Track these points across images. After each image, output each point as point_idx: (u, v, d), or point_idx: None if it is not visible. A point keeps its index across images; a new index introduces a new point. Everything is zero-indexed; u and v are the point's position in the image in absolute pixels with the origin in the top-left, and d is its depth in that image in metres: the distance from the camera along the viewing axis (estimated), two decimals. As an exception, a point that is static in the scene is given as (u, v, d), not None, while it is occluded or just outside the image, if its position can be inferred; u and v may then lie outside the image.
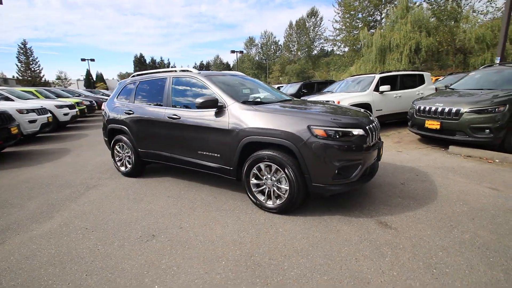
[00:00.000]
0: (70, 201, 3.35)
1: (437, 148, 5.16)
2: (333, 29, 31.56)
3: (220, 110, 3.00)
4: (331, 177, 2.47)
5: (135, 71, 62.36)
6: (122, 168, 4.25)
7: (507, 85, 5.05)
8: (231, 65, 71.45)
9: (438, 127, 4.94)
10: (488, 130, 4.40)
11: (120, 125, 4.07)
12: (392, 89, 6.96)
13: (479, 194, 3.09)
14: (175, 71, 3.76)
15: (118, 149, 4.22)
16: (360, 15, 27.84)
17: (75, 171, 4.65)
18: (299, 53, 46.03)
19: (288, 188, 2.61)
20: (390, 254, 2.07)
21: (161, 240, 2.39)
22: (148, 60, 65.96)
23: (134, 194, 3.48)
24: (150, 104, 3.76)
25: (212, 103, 2.94)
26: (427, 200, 2.99)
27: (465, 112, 4.56)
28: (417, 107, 5.42)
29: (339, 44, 31.74)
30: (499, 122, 4.30)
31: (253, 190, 2.86)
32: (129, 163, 4.14)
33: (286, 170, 2.56)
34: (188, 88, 3.47)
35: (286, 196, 2.65)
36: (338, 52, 33.21)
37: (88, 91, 19.88)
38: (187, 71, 3.63)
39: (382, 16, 26.79)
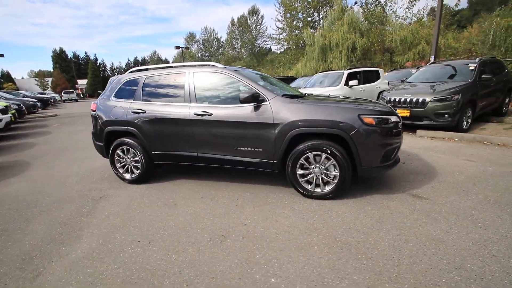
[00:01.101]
0: (86, 217, 2.90)
1: (407, 133, 6.08)
2: (276, 28, 33.01)
3: (259, 104, 3.01)
4: (379, 160, 2.79)
5: (54, 68, 53.77)
6: (127, 175, 3.82)
7: (451, 78, 6.27)
8: (171, 61, 67.86)
9: (408, 114, 5.83)
10: (447, 115, 5.42)
11: (124, 127, 3.64)
12: (357, 83, 7.82)
13: (463, 165, 3.84)
14: (194, 65, 3.56)
15: (121, 154, 3.77)
16: (300, 16, 29.72)
17: (59, 184, 3.97)
18: (242, 50, 46.58)
19: (338, 174, 2.82)
20: (441, 218, 2.48)
21: (235, 238, 2.34)
22: (70, 55, 57.57)
23: (161, 200, 3.21)
24: (166, 102, 3.47)
25: (254, 98, 2.93)
26: (432, 174, 3.59)
27: (430, 101, 5.51)
28: (388, 98, 6.26)
29: (283, 42, 33.38)
30: (455, 108, 5.34)
31: (300, 180, 2.99)
32: (137, 168, 3.75)
33: (337, 157, 2.77)
34: (215, 83, 3.35)
35: (336, 182, 2.86)
36: (281, 50, 34.91)
37: (5, 93, 16.41)
38: (210, 65, 3.47)
39: (321, 17, 29.13)
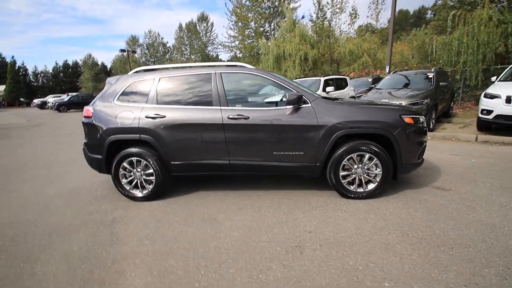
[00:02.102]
0: (111, 246, 2.38)
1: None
2: (228, 36, 33.23)
3: (300, 106, 2.93)
4: (416, 157, 2.99)
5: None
6: (137, 192, 3.28)
7: (414, 85, 7.19)
8: (108, 67, 62.00)
9: (386, 117, 6.43)
10: (420, 117, 6.17)
11: (135, 135, 3.13)
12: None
13: (453, 159, 4.40)
14: (219, 65, 3.28)
15: (128, 167, 3.22)
16: (253, 25, 30.54)
17: (43, 210, 3.18)
18: (192, 56, 45.35)
19: (381, 172, 2.92)
20: (475, 205, 2.77)
21: (312, 247, 2.19)
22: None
23: (194, 216, 2.84)
24: (190, 105, 3.10)
25: (300, 100, 2.85)
26: (435, 168, 4.00)
27: (406, 105, 6.19)
28: (366, 103, 6.82)
29: (235, 50, 33.74)
30: (425, 110, 6.12)
31: (342, 181, 3.00)
32: (150, 183, 3.25)
33: (380, 157, 2.87)
34: (247, 85, 3.14)
35: (378, 180, 2.95)
36: (228, 58, 35.11)
37: None
38: (237, 65, 3.25)
39: (272, 28, 30.40)
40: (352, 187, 3.01)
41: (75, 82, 57.04)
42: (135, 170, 3.24)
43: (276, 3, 29.68)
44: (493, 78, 6.30)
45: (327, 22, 22.56)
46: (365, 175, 2.98)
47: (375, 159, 2.90)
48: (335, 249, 2.16)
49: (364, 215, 2.69)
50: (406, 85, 7.35)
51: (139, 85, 3.27)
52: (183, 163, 3.17)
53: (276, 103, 3.12)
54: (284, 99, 3.10)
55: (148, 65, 49.39)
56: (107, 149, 3.21)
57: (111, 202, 3.31)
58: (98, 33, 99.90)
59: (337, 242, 2.26)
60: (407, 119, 2.88)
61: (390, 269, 1.90)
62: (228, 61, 37.67)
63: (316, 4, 22.62)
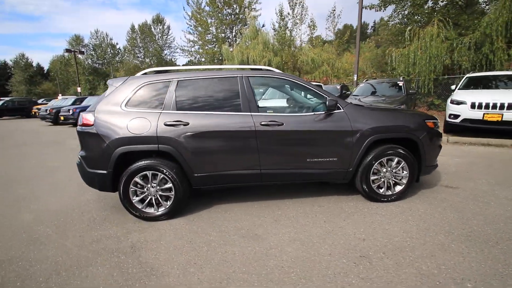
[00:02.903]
0: (149, 279, 1.99)
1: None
2: (187, 40, 32.28)
3: (332, 112, 2.89)
4: (436, 158, 3.17)
5: None
6: (151, 210, 2.85)
7: (385, 92, 7.82)
8: (46, 68, 55.01)
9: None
10: (398, 121, 6.71)
11: (153, 145, 2.72)
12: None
13: (441, 160, 4.81)
14: (243, 69, 3.05)
15: (141, 182, 2.78)
16: (213, 30, 30.18)
17: (30, 241, 2.54)
18: (147, 59, 42.82)
19: (408, 175, 3.03)
20: (488, 201, 3.04)
21: (378, 256, 2.13)
22: None
23: (231, 234, 2.56)
24: (216, 111, 2.81)
25: (335, 106, 2.81)
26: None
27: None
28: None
29: (195, 55, 32.90)
30: (402, 115, 6.67)
31: (373, 185, 3.03)
32: (167, 199, 2.86)
33: (407, 160, 2.98)
34: (274, 89, 2.98)
35: (405, 182, 3.05)
36: (183, 63, 34.12)
37: None
38: (262, 69, 3.06)
39: (234, 34, 30.45)
40: (381, 191, 3.06)
41: (4, 86, 49.24)
42: (149, 185, 2.81)
43: (237, 10, 29.92)
44: (453, 87, 7.21)
45: (289, 31, 23.47)
46: (393, 178, 3.06)
47: (402, 163, 3.00)
48: (400, 255, 2.13)
49: (402, 217, 2.74)
50: (376, 92, 7.96)
51: (152, 88, 2.87)
52: (208, 175, 2.86)
53: (306, 109, 3.04)
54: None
55: (95, 67, 45.32)
56: (115, 163, 2.73)
57: (118, 225, 2.81)
58: (32, 31, 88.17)
59: (396, 248, 2.24)
60: (430, 124, 3.06)
61: (462, 269, 1.94)
62: (185, 65, 36.63)
63: (278, 14, 23.34)
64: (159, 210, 2.86)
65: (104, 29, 73.25)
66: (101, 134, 2.72)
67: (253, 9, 29.58)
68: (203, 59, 31.68)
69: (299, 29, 23.60)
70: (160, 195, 2.84)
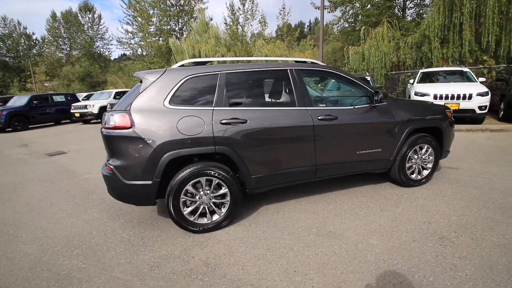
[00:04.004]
0: (257, 296, 1.76)
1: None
2: (125, 31, 29.18)
3: (376, 105, 2.99)
4: (451, 143, 3.57)
5: None
6: (204, 221, 2.51)
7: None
8: None
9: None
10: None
11: (209, 147, 2.38)
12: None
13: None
14: (286, 61, 2.87)
15: (193, 191, 2.42)
16: (156, 21, 27.91)
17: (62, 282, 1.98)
18: (74, 52, 37.21)
19: (433, 160, 3.35)
20: (490, 178, 3.57)
21: (451, 236, 2.29)
22: None
23: (309, 235, 2.44)
24: (271, 106, 2.61)
25: (384, 98, 2.91)
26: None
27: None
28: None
29: (136, 47, 30.01)
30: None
31: (407, 172, 3.26)
32: (221, 206, 2.56)
33: (434, 146, 3.29)
34: (320, 82, 2.91)
35: (431, 167, 3.38)
36: (118, 56, 31.09)
37: None
38: (306, 62, 2.95)
39: (180, 27, 28.73)
40: (413, 176, 3.32)
41: None
42: (202, 193, 2.47)
43: (181, 2, 28.26)
44: (411, 81, 8.23)
45: (240, 27, 23.35)
46: (422, 164, 3.34)
47: (430, 149, 3.30)
48: (467, 231, 2.35)
49: (441, 198, 3.02)
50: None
51: (198, 82, 2.50)
52: (265, 176, 2.65)
53: (352, 101, 3.07)
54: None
55: (5, 61, 37.40)
56: (163, 171, 2.31)
57: (166, 243, 2.40)
58: None
59: (460, 225, 2.45)
60: (448, 113, 3.43)
61: (524, 237, 2.25)
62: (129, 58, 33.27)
63: (229, 9, 22.95)
64: (213, 219, 2.54)
65: (15, 17, 60.67)
66: (145, 137, 2.26)
67: (199, 1, 28.42)
68: (145, 53, 29.15)
69: (251, 25, 23.72)
70: (214, 203, 2.53)
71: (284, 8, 28.03)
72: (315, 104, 2.85)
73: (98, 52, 38.30)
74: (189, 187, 2.40)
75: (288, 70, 2.77)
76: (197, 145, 2.36)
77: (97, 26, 37.87)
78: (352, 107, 2.96)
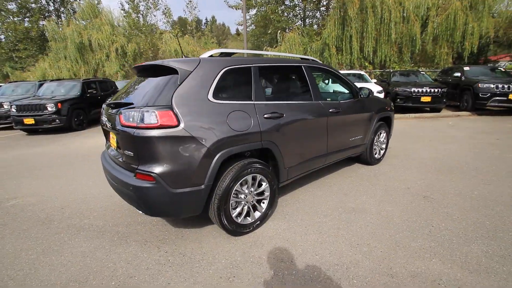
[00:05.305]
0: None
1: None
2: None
3: (363, 98, 3.59)
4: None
5: None
6: (249, 220, 2.41)
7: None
8: None
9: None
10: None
11: (257, 143, 2.29)
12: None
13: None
14: (300, 58, 3.00)
15: (242, 190, 2.29)
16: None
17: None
18: None
19: (386, 142, 4.31)
20: (415, 153, 4.90)
21: (431, 196, 3.11)
22: None
23: (343, 216, 2.73)
24: (295, 100, 2.71)
25: (370, 94, 3.52)
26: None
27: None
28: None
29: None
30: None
31: (373, 153, 4.06)
32: (261, 202, 2.52)
33: (386, 131, 4.24)
34: (322, 79, 3.22)
35: (384, 147, 4.32)
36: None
37: None
38: (309, 59, 3.16)
39: (56, 7, 23.00)
40: (376, 156, 4.16)
41: None
42: (247, 191, 2.36)
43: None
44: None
45: (142, 16, 21.00)
46: (381, 146, 4.23)
47: (385, 134, 4.22)
48: (441, 191, 3.24)
49: (399, 170, 3.94)
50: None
51: (235, 74, 2.33)
52: (293, 167, 2.76)
53: (342, 96, 3.54)
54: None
55: None
56: (216, 173, 2.08)
57: (215, 253, 2.19)
58: None
59: (429, 186, 3.33)
60: (391, 106, 4.45)
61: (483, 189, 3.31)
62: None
63: (127, -6, 20.21)
64: (256, 217, 2.47)
65: None
66: (197, 136, 1.96)
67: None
68: (3, 37, 22.02)
69: (154, 15, 21.70)
70: (257, 200, 2.47)
71: (191, 1, 27.07)
72: (323, 99, 3.16)
73: None
74: (238, 187, 2.25)
75: (303, 67, 2.96)
76: (247, 142, 2.24)
77: None
78: (348, 100, 3.46)
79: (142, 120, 1.88)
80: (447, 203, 2.89)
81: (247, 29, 21.38)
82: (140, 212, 2.10)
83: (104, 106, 2.66)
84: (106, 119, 2.39)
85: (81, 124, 8.17)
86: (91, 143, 6.37)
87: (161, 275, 1.94)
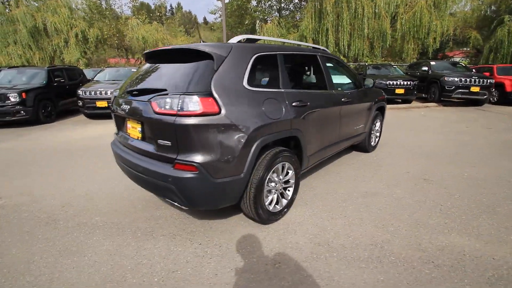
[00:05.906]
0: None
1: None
2: None
3: (365, 88, 3.74)
4: (382, 118, 4.94)
5: None
6: (278, 208, 2.42)
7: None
8: None
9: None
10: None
11: (287, 130, 2.30)
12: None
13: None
14: (312, 47, 3.00)
15: (273, 178, 2.29)
16: None
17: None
18: None
19: (379, 131, 4.57)
20: (403, 140, 5.27)
21: (431, 178, 3.38)
22: None
23: (361, 196, 2.86)
24: (315, 89, 2.74)
25: (373, 84, 3.67)
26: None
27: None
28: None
29: None
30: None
31: (371, 141, 4.29)
32: (286, 190, 2.55)
33: (381, 120, 4.50)
34: (336, 70, 3.30)
35: (378, 135, 4.59)
36: None
37: None
38: (320, 49, 3.19)
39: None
40: (372, 143, 4.41)
41: None
42: (277, 179, 2.36)
43: None
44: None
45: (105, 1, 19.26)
46: (375, 133, 4.48)
47: (379, 122, 4.48)
48: (435, 171, 3.54)
49: (395, 156, 4.22)
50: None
51: (264, 61, 2.29)
52: (313, 154, 2.82)
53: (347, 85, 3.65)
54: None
55: None
56: (255, 161, 2.05)
57: (248, 243, 2.18)
58: None
59: (426, 169, 3.63)
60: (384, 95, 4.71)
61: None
62: None
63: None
64: (283, 204, 2.50)
65: None
66: (238, 124, 1.91)
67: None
68: None
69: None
70: (284, 187, 2.49)
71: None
72: (335, 88, 3.23)
73: None
74: (271, 175, 2.25)
75: (318, 56, 2.99)
76: (280, 130, 2.23)
77: None
78: (354, 90, 3.58)
79: (182, 107, 1.77)
80: (446, 185, 3.18)
81: (218, 19, 20.83)
82: (176, 204, 2.00)
83: (115, 93, 2.45)
84: (125, 107, 2.20)
85: (50, 116, 7.38)
86: (67, 136, 5.81)
87: (204, 267, 1.89)
